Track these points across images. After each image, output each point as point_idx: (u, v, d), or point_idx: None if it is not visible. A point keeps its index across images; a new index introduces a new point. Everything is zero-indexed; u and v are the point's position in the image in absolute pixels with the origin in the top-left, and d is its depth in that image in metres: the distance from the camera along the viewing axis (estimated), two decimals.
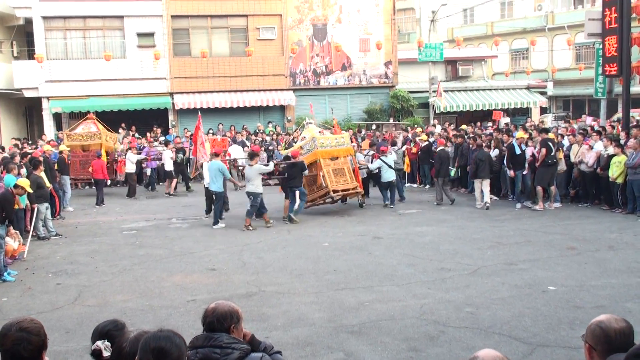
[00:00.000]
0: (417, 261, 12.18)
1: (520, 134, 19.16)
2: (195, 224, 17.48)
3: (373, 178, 20.64)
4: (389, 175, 19.32)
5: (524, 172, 18.35)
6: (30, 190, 13.05)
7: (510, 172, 18.63)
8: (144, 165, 25.33)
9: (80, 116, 31.46)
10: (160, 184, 25.87)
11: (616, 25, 20.10)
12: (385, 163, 19.37)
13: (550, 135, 18.84)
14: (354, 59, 33.52)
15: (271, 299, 10.00)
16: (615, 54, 20.19)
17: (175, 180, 23.79)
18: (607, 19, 20.55)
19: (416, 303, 9.48)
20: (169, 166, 23.70)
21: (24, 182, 12.87)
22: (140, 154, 24.92)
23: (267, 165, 17.75)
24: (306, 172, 17.42)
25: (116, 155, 24.64)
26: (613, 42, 20.30)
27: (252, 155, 17.01)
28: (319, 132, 19.23)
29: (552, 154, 17.43)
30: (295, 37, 32.53)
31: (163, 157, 24.31)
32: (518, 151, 18.19)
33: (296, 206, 17.17)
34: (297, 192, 17.07)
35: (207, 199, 18.30)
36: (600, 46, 22.24)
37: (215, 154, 17.58)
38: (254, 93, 31.91)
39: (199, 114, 20.40)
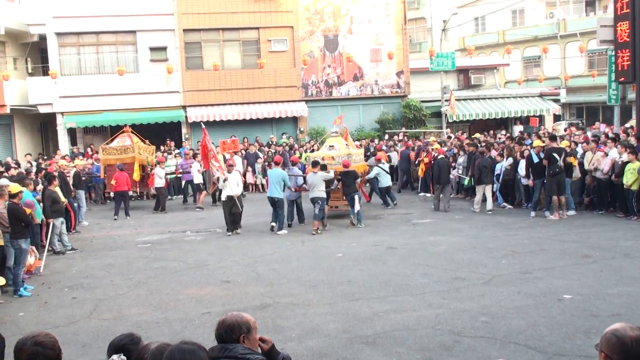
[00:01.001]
0: (432, 271, 12.15)
1: (537, 142, 19.05)
2: (209, 236, 17.53)
3: (370, 184, 22.44)
4: (386, 181, 21.18)
5: (544, 181, 18.20)
6: (21, 189, 13.02)
7: (529, 182, 18.57)
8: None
9: (95, 131, 31.79)
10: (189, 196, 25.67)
11: (628, 40, 20.07)
12: (382, 169, 21.03)
13: (564, 143, 18.77)
14: (366, 69, 33.55)
15: (285, 310, 10.01)
16: (626, 67, 20.16)
17: (204, 193, 23.69)
18: (619, 32, 20.52)
19: (431, 313, 9.45)
20: (198, 179, 23.71)
21: (15, 187, 12.87)
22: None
23: (328, 172, 17.80)
24: (358, 180, 18.67)
25: (149, 169, 24.21)
26: (626, 55, 20.26)
27: (315, 163, 17.69)
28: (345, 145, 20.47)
29: (557, 163, 17.28)
30: (306, 48, 32.62)
31: (191, 169, 24.17)
32: (536, 159, 18.08)
33: (355, 210, 17.90)
34: (356, 197, 17.87)
35: (229, 214, 17.56)
36: (613, 53, 22.18)
37: (276, 163, 18.37)
38: (266, 105, 31.98)
39: (203, 126, 19.97)
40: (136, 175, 23.17)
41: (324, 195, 17.45)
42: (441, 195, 20.28)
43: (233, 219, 17.58)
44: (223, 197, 17.73)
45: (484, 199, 19.38)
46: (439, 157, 20.95)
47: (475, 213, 19.22)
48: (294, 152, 26.62)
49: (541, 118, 36.73)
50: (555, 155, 17.33)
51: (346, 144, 20.54)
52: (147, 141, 25.55)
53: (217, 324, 4.06)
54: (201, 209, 22.74)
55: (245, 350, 3.88)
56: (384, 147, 28.85)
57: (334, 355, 7.96)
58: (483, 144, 22.05)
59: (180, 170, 25.35)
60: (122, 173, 21.96)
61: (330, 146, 19.79)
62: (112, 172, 23.07)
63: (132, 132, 24.55)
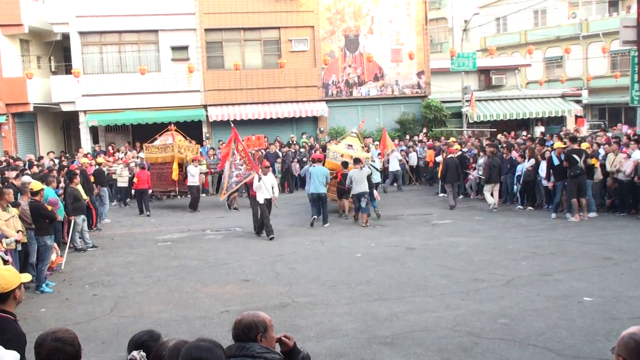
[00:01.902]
0: (451, 272, 12.12)
1: (558, 144, 18.92)
2: (228, 235, 17.60)
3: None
4: (375, 178, 21.45)
5: (565, 183, 18.07)
6: (42, 187, 13.13)
7: (549, 184, 18.47)
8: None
9: (116, 129, 32.01)
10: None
11: None
12: (374, 167, 21.55)
13: (585, 144, 18.63)
14: (386, 69, 33.49)
15: (304, 309, 10.03)
16: None
17: (237, 194, 22.69)
18: None
19: (450, 314, 9.44)
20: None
21: (36, 185, 12.98)
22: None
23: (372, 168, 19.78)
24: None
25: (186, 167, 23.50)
26: None
27: (357, 161, 18.68)
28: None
29: (578, 165, 17.17)
30: (327, 48, 32.62)
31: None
32: (556, 162, 17.96)
33: (377, 203, 19.68)
34: (375, 191, 19.60)
35: (258, 215, 17.19)
36: (636, 53, 21.97)
37: (318, 160, 19.83)
38: (286, 104, 32.04)
39: (233, 125, 19.47)
40: (175, 174, 22.91)
41: (367, 189, 18.40)
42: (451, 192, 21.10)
43: (263, 221, 16.94)
44: (260, 200, 16.92)
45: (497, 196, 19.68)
46: (448, 156, 21.69)
47: (495, 213, 19.15)
48: (314, 152, 26.60)
49: (563, 119, 36.50)
50: (576, 156, 17.24)
51: (362, 146, 21.78)
52: (192, 141, 25.41)
53: (233, 323, 4.08)
54: (236, 210, 22.15)
55: (262, 350, 3.90)
56: (404, 147, 28.88)
57: (352, 355, 7.97)
58: (504, 145, 21.98)
59: (213, 170, 25.45)
60: (144, 171, 22.33)
61: (348, 145, 20.78)
62: (155, 170, 23.47)
63: (176, 130, 24.45)
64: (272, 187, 17.10)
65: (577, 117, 33.31)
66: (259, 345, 3.92)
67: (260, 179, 16.79)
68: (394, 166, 26.67)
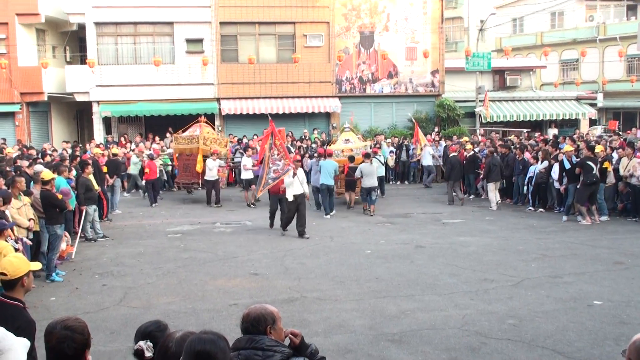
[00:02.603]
0: (460, 271, 12.10)
1: (567, 147, 18.81)
2: (238, 228, 17.62)
3: None
4: (380, 171, 22.51)
5: (578, 186, 17.97)
6: (53, 176, 13.14)
7: (561, 188, 18.39)
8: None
9: (129, 120, 32.09)
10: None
11: None
12: (378, 161, 22.28)
13: (599, 147, 18.52)
14: (401, 67, 33.40)
15: (312, 305, 10.04)
16: None
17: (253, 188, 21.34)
18: None
19: (458, 313, 9.42)
20: (248, 174, 21.94)
21: (47, 174, 12.99)
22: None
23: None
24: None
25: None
26: None
27: (368, 155, 19.85)
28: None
29: (593, 172, 17.08)
30: (342, 44, 32.57)
31: (242, 164, 22.50)
32: (568, 165, 17.86)
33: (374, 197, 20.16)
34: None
35: (289, 214, 16.38)
36: None
37: (329, 154, 20.20)
38: (299, 100, 32.04)
39: (270, 118, 18.42)
40: (198, 167, 22.38)
41: (377, 184, 20.04)
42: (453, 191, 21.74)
43: (299, 220, 16.16)
44: (289, 197, 16.05)
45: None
46: (451, 155, 22.52)
47: (506, 214, 19.09)
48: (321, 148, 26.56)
49: (577, 122, 36.34)
50: (591, 164, 17.15)
51: (358, 137, 23.03)
52: (221, 133, 25.26)
53: (242, 317, 4.07)
54: (254, 205, 21.44)
55: (271, 342, 3.90)
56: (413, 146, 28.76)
57: (360, 351, 7.97)
58: (517, 146, 21.90)
59: (231, 164, 25.32)
60: (153, 162, 22.51)
61: (345, 140, 21.99)
62: (182, 161, 23.50)
63: (206, 122, 24.11)
64: (302, 182, 16.45)
65: (610, 120, 32.98)
66: (268, 338, 3.91)
67: (295, 174, 16.08)
68: (427, 161, 26.75)
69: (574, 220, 17.63)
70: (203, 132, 22.95)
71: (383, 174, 23.72)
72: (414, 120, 27.18)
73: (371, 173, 19.56)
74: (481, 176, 21.92)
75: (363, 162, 19.80)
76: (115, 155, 21.15)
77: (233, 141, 27.86)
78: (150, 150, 25.26)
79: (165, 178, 26.15)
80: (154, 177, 22.44)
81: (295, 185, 16.12)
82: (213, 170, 21.74)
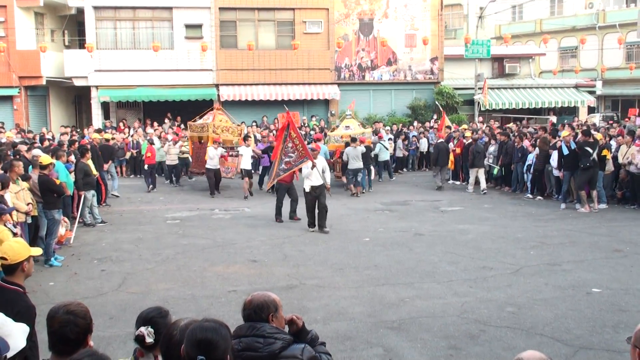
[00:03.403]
0: (459, 259, 12.11)
1: (565, 132, 18.77)
2: (237, 215, 17.61)
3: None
4: (384, 156, 24.12)
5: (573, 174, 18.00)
6: (51, 161, 13.10)
7: (560, 174, 18.37)
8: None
9: (128, 106, 32.00)
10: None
11: None
12: (383, 145, 23.87)
13: (598, 136, 18.50)
14: (400, 54, 33.33)
15: (311, 292, 10.04)
16: None
17: (249, 181, 20.90)
18: None
19: (457, 301, 9.43)
20: (247, 164, 20.87)
21: (45, 159, 12.95)
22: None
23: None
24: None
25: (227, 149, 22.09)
26: None
27: (354, 139, 20.54)
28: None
29: (590, 157, 17.01)
30: (341, 31, 32.48)
31: (240, 153, 21.20)
32: (566, 151, 17.84)
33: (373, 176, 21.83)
34: (372, 168, 22.19)
35: (312, 207, 15.37)
36: None
37: (318, 139, 21.34)
38: (298, 86, 31.97)
39: (287, 109, 17.60)
40: (207, 156, 21.48)
41: (362, 166, 20.69)
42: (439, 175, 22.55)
43: (320, 213, 15.21)
44: (306, 188, 15.25)
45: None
46: (438, 141, 23.30)
47: (505, 202, 19.11)
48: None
49: (576, 109, 36.31)
50: (589, 149, 17.08)
51: (359, 124, 23.68)
52: (236, 122, 24.56)
53: (243, 304, 4.06)
54: (245, 198, 20.45)
55: (273, 330, 3.89)
56: (414, 133, 28.75)
57: (359, 338, 7.98)
58: (516, 134, 21.89)
59: (227, 152, 24.87)
60: (152, 147, 22.71)
61: (346, 126, 22.72)
62: (195, 150, 23.15)
63: (221, 110, 23.67)
64: (323, 171, 15.48)
65: (631, 108, 32.83)
66: (269, 326, 3.91)
67: (314, 166, 15.06)
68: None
69: (572, 207, 17.65)
70: (215, 120, 22.47)
71: (387, 158, 24.52)
72: (441, 108, 27.74)
73: (357, 156, 20.26)
74: (468, 164, 22.16)
75: (349, 146, 20.65)
76: (107, 140, 21.05)
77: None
78: (153, 136, 25.29)
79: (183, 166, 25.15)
80: (154, 162, 22.62)
81: (314, 176, 15.21)
82: (214, 159, 20.94)
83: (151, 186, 22.30)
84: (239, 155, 21.25)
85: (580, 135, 18.07)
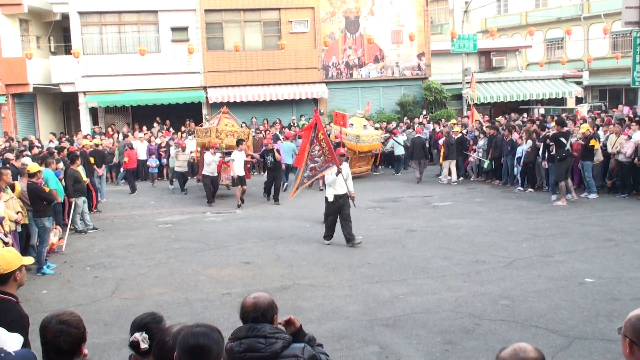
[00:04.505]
0: (452, 254, 12.13)
1: (554, 124, 18.86)
2: (229, 217, 17.59)
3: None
4: (398, 150, 25.79)
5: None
6: (39, 169, 13.05)
7: (543, 163, 18.44)
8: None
9: (116, 111, 31.90)
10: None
11: None
12: (396, 142, 25.43)
13: (584, 126, 18.56)
14: (387, 51, 33.35)
15: (305, 292, 10.05)
16: None
17: (242, 188, 19.55)
18: None
19: (451, 296, 9.45)
20: (239, 170, 19.56)
21: (33, 167, 12.89)
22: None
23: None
24: None
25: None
26: None
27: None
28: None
29: (565, 147, 17.06)
30: (327, 29, 32.47)
31: (232, 158, 19.78)
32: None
33: None
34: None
35: (333, 218, 13.84)
36: (638, 34, 21.87)
37: (287, 138, 23.61)
38: (286, 86, 31.96)
39: (315, 108, 16.35)
40: None
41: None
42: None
43: (343, 225, 13.64)
44: (330, 197, 13.69)
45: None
46: (415, 136, 24.38)
47: (496, 195, 19.15)
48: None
49: (563, 101, 36.42)
50: (563, 139, 17.16)
51: (364, 125, 23.76)
52: (243, 124, 24.14)
53: (244, 306, 4.04)
54: (240, 206, 19.25)
55: (273, 330, 3.91)
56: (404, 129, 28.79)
57: (354, 337, 7.99)
58: (504, 127, 21.95)
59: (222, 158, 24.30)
60: (133, 151, 23.45)
61: (350, 124, 22.94)
62: (202, 156, 21.21)
63: (227, 114, 22.51)
64: (347, 177, 13.95)
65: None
66: (269, 326, 3.92)
67: (339, 172, 13.59)
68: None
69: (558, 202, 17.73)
70: (221, 124, 21.43)
71: (402, 152, 25.97)
72: (470, 103, 28.29)
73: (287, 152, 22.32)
74: (442, 157, 22.65)
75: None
76: (97, 145, 21.01)
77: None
78: (136, 139, 25.34)
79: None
80: (133, 166, 23.15)
81: (338, 184, 13.69)
82: (211, 165, 19.76)
83: (133, 190, 22.69)
84: (230, 161, 19.96)
85: (554, 126, 18.16)
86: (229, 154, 20.41)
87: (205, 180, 19.98)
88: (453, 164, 22.42)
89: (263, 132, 26.46)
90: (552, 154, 17.66)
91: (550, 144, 17.63)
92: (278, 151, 20.21)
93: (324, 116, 31.85)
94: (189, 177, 23.31)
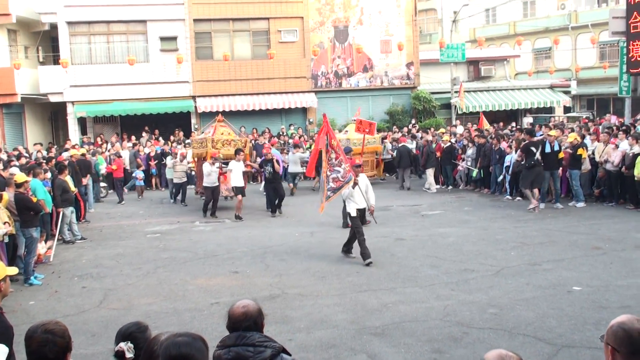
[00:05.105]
0: (440, 262, 12.14)
1: (553, 132, 18.98)
2: (218, 227, 17.56)
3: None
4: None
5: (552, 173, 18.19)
6: (27, 179, 12.98)
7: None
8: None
9: (105, 120, 31.82)
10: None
11: None
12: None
13: (572, 135, 18.66)
14: (376, 60, 33.47)
15: (294, 301, 10.03)
16: (638, 57, 20.06)
17: (241, 199, 18.83)
18: (632, 23, 20.39)
19: (439, 304, 9.45)
20: (238, 181, 18.91)
21: (20, 177, 12.83)
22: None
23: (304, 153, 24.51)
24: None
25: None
26: (639, 46, 20.13)
27: (297, 146, 24.34)
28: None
29: (534, 156, 17.56)
30: (316, 39, 32.56)
31: (229, 168, 19.16)
32: (548, 149, 18.02)
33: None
34: None
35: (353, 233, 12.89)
36: (625, 44, 22.03)
37: (296, 145, 24.69)
38: (275, 95, 31.99)
39: (324, 114, 15.07)
40: None
41: (300, 170, 23.89)
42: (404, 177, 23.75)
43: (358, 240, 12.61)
44: (352, 212, 12.72)
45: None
46: (400, 145, 24.35)
47: (485, 204, 19.20)
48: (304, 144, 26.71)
49: (552, 110, 36.59)
50: (533, 148, 17.63)
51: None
52: (242, 134, 23.75)
53: (237, 316, 3.95)
54: (240, 219, 18.50)
55: (262, 338, 3.88)
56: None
57: (343, 346, 7.97)
58: (493, 136, 22.03)
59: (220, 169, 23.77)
60: (120, 160, 23.61)
61: (345, 130, 24.74)
62: (198, 167, 21.01)
63: (222, 122, 21.75)
64: (367, 189, 13.04)
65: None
66: (259, 334, 3.90)
67: (355, 184, 12.65)
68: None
69: (551, 207, 17.79)
70: (217, 134, 20.62)
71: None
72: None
73: (295, 161, 23.72)
74: (472, 169, 22.31)
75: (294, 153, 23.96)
76: (83, 155, 20.93)
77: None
78: (124, 149, 25.34)
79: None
80: (120, 175, 23.33)
81: (357, 197, 12.75)
82: (211, 175, 18.89)
83: (120, 199, 22.84)
84: (228, 171, 19.29)
85: (525, 136, 18.69)
86: (227, 164, 19.73)
87: (206, 193, 19.22)
88: (431, 172, 23.00)
89: (253, 142, 26.32)
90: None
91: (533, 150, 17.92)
92: (277, 161, 19.69)
93: (313, 125, 31.95)
94: (187, 189, 22.46)
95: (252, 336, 3.87)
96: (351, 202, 12.71)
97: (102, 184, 24.12)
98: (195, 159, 21.86)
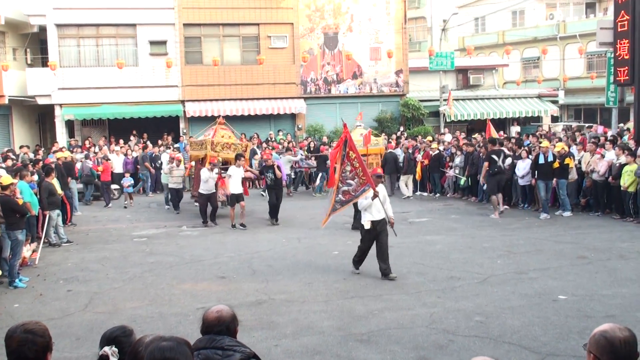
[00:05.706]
0: (427, 270, 12.17)
1: (545, 143, 19.09)
2: (205, 231, 17.52)
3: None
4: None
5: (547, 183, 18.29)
6: (12, 181, 12.91)
7: (532, 181, 18.67)
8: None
9: (93, 124, 31.69)
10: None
11: (628, 29, 20.11)
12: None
13: (559, 145, 18.78)
14: (365, 67, 33.51)
15: (280, 307, 10.02)
16: (627, 56, 20.20)
17: (241, 205, 18.13)
18: (619, 22, 20.56)
19: (426, 312, 9.47)
20: (236, 188, 18.17)
21: (6, 179, 12.75)
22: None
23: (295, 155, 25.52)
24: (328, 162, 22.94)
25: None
26: (625, 45, 20.29)
27: (288, 149, 24.95)
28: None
29: (497, 164, 18.51)
30: (306, 45, 32.57)
31: (229, 174, 18.29)
32: (542, 160, 18.11)
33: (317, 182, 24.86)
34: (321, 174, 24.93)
35: (367, 245, 12.35)
36: (612, 55, 22.20)
37: (288, 149, 25.46)
38: (265, 101, 31.96)
39: (344, 121, 14.45)
40: None
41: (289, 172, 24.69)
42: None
43: (380, 253, 12.03)
44: (366, 225, 12.09)
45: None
46: (387, 151, 23.89)
47: (471, 212, 19.27)
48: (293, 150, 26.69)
49: (539, 119, 36.77)
50: (495, 157, 18.56)
51: (361, 133, 22.62)
52: (242, 138, 23.57)
53: (210, 320, 4.05)
54: (244, 227, 17.90)
55: (232, 342, 3.93)
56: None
57: (328, 352, 7.97)
58: (481, 145, 22.12)
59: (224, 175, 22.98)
60: (108, 163, 23.40)
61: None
62: (196, 170, 20.35)
63: (223, 124, 21.23)
64: (385, 200, 12.32)
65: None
66: (229, 338, 3.95)
67: (375, 196, 11.98)
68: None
69: (537, 216, 17.88)
70: (217, 136, 19.97)
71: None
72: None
73: (285, 163, 23.95)
74: (460, 177, 22.46)
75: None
76: (66, 158, 20.81)
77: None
78: (113, 152, 25.25)
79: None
80: (108, 178, 23.09)
81: (375, 209, 12.09)
82: (209, 182, 18.39)
83: (107, 203, 22.77)
84: (227, 177, 18.51)
85: (489, 145, 19.56)
86: (225, 168, 19.27)
87: (201, 200, 18.70)
88: (410, 179, 23.63)
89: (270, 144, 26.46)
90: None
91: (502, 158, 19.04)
92: (279, 167, 18.96)
93: (302, 131, 31.95)
94: (183, 194, 21.93)
95: (222, 340, 3.92)
96: (367, 214, 12.08)
97: (114, 186, 24.17)
98: (192, 162, 21.47)
